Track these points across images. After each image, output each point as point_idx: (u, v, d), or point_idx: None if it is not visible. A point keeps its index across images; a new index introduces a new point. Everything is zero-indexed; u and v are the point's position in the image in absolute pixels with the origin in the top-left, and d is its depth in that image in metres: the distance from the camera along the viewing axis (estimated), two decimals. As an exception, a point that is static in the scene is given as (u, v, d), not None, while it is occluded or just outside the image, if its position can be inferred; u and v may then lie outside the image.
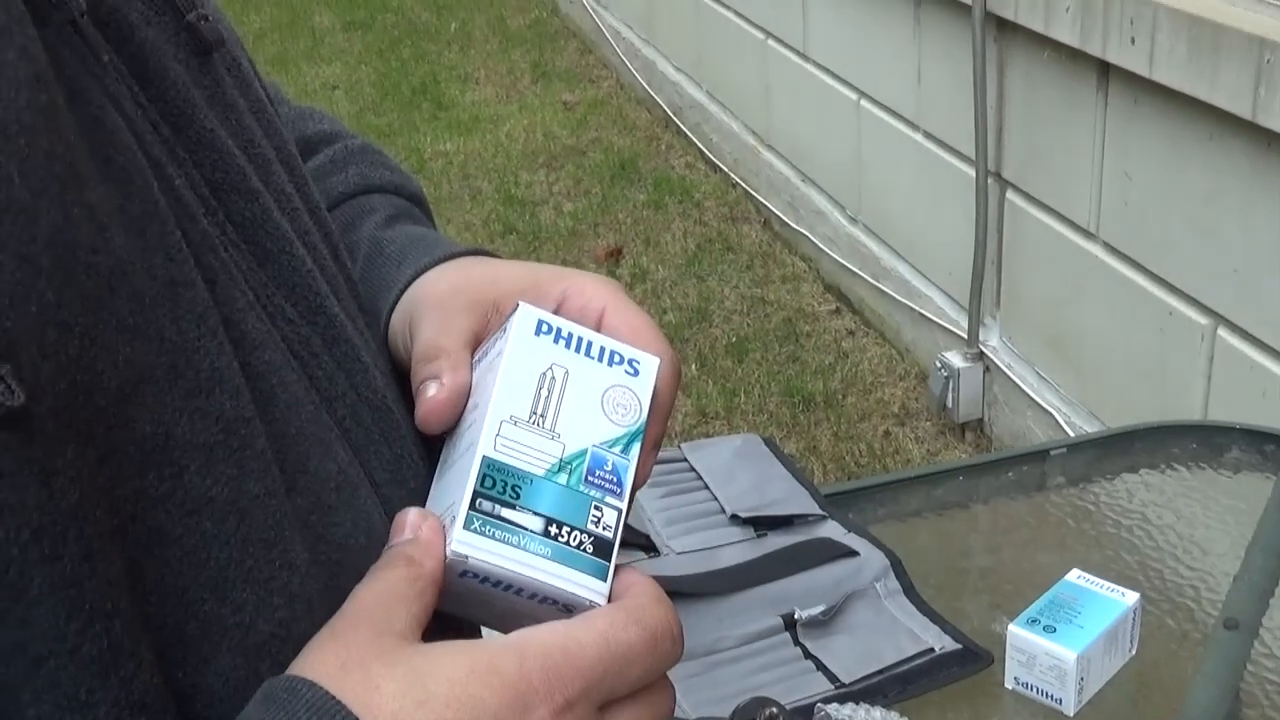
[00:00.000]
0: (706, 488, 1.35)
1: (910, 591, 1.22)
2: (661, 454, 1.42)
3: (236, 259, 0.49)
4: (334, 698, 0.42)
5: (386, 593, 0.45)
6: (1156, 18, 2.15)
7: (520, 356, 0.50)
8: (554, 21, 6.09)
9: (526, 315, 0.51)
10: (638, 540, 1.26)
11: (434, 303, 0.60)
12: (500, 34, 5.97)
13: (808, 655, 1.15)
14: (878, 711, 1.02)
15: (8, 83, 0.40)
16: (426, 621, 0.46)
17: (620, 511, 0.48)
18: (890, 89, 3.20)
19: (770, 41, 3.89)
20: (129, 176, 0.44)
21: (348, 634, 0.44)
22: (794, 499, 1.33)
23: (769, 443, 1.44)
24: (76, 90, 0.43)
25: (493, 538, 0.47)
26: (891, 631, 1.18)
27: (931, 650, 1.15)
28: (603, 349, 0.51)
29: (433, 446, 0.56)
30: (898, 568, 1.24)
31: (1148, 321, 2.37)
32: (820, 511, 1.31)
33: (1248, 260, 2.11)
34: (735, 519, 1.30)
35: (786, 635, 1.17)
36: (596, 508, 0.48)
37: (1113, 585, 1.15)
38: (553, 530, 0.47)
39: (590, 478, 0.48)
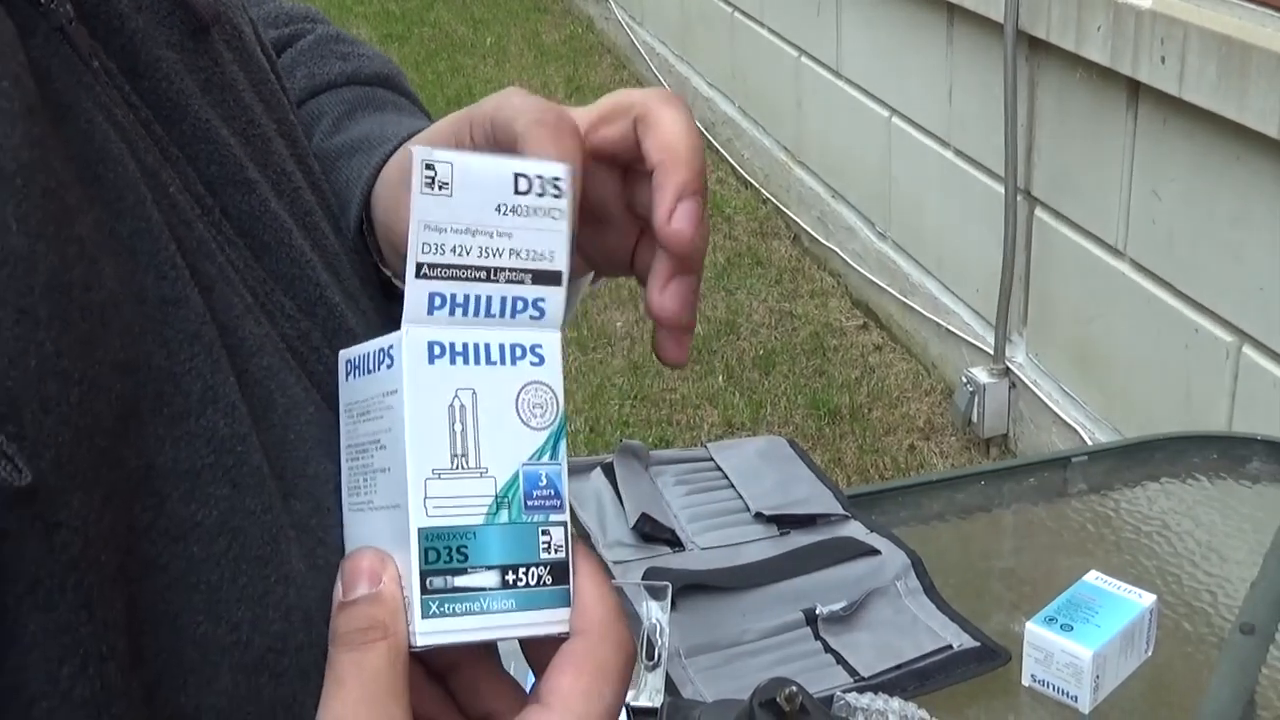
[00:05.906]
0: (732, 486, 1.38)
1: (930, 590, 1.24)
2: (687, 452, 1.45)
3: (233, 258, 0.48)
4: None
5: (375, 693, 0.42)
6: (1187, 37, 2.17)
7: (422, 398, 0.44)
8: (589, 37, 6.14)
9: (415, 344, 0.45)
10: (664, 535, 1.28)
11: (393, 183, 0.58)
12: (535, 49, 6.03)
13: (828, 649, 1.18)
14: (895, 701, 1.04)
15: (3, 117, 0.38)
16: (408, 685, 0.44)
17: (565, 525, 0.45)
18: (921, 106, 3.22)
19: (803, 58, 3.92)
20: (119, 194, 0.43)
21: None
22: (817, 499, 1.36)
23: (793, 444, 1.46)
24: (65, 104, 0.42)
25: (454, 614, 0.43)
26: (911, 628, 1.20)
27: (949, 647, 1.17)
28: (502, 346, 0.46)
29: None
30: (918, 567, 1.26)
31: (1173, 339, 2.38)
32: (843, 511, 1.33)
33: (1273, 279, 2.12)
34: (759, 517, 1.33)
35: (807, 630, 1.20)
36: (544, 532, 0.45)
37: (1130, 587, 1.17)
38: (509, 578, 0.44)
39: (530, 502, 0.45)
